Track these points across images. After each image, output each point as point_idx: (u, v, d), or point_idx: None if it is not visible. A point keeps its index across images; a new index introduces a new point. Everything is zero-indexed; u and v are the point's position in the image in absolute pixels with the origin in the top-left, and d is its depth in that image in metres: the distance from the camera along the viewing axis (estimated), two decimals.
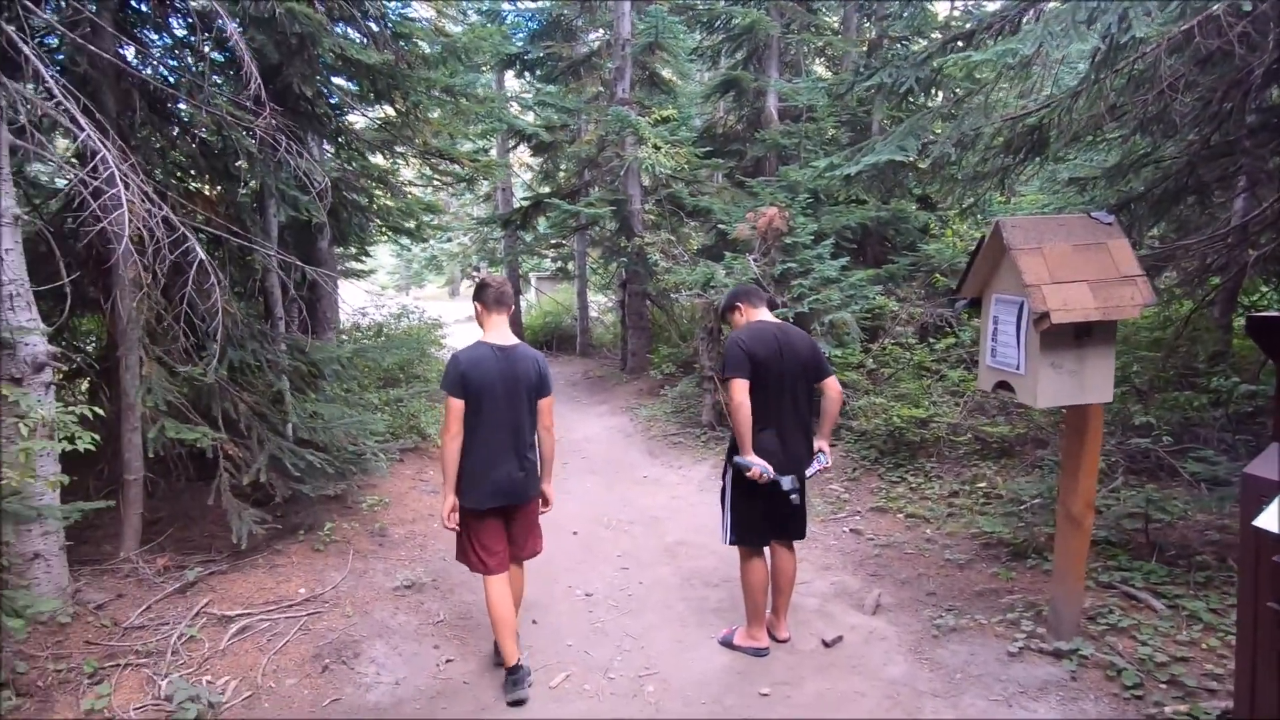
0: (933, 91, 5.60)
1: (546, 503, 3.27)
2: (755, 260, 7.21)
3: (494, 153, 13.69)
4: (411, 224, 6.21)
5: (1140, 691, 2.69)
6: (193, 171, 4.45)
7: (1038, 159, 4.59)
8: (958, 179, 4.47)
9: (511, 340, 3.00)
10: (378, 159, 7.18)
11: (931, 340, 6.84)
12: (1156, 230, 5.68)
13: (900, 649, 3.23)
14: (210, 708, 2.71)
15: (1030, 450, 5.38)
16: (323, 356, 4.69)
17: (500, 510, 3.04)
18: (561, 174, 13.63)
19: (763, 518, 3.17)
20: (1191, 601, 3.18)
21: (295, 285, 4.45)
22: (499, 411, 2.91)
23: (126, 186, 2.51)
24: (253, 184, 4.07)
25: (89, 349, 4.91)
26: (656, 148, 8.31)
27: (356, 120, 7.10)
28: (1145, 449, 4.42)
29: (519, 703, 2.92)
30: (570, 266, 15.29)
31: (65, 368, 3.87)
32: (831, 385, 3.15)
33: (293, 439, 4.38)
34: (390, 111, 6.09)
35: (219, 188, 4.48)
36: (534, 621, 3.67)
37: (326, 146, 6.27)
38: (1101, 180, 5.36)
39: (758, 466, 2.99)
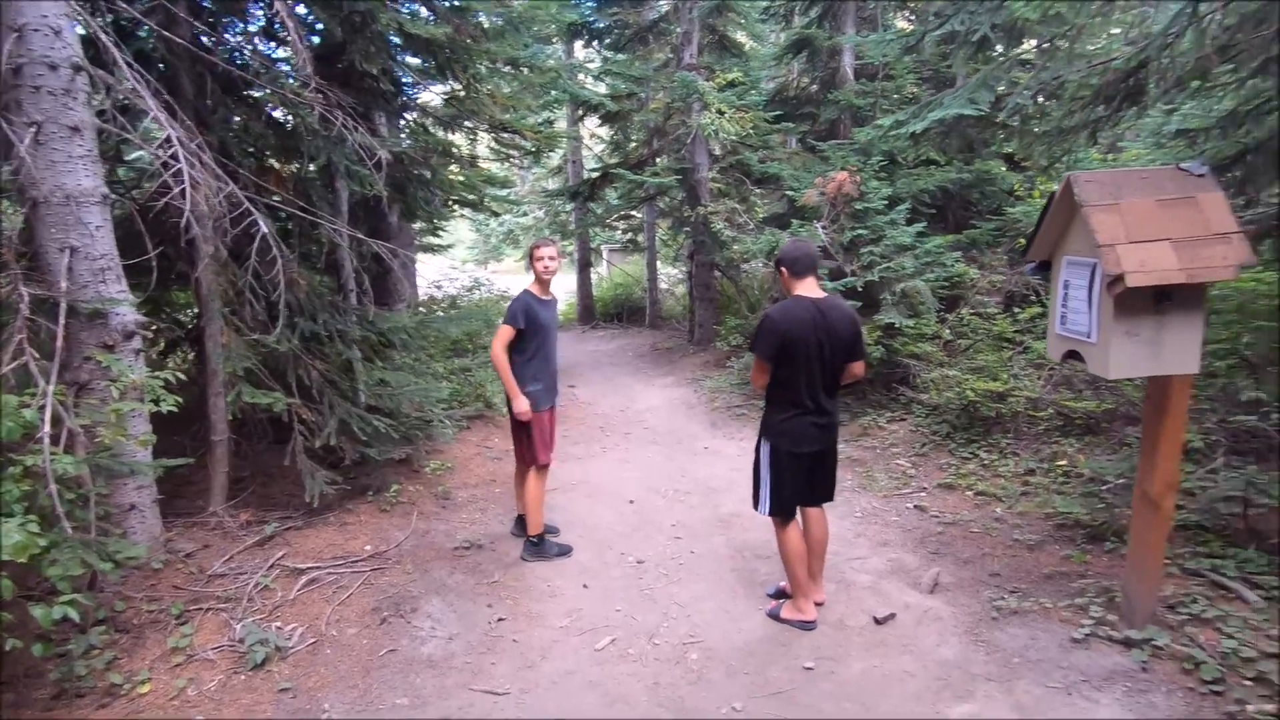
0: (1017, 41, 5.16)
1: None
2: (824, 227, 6.95)
3: (563, 124, 13.74)
4: (475, 197, 6.32)
5: (1220, 687, 2.47)
6: (266, 151, 4.68)
7: (1134, 109, 4.16)
8: (1037, 134, 4.10)
9: (551, 295, 4.03)
10: (453, 135, 7.36)
11: (1016, 310, 6.42)
12: None
13: (956, 630, 3.10)
14: (277, 651, 2.93)
15: (1120, 427, 4.99)
16: (390, 327, 4.89)
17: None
18: (632, 144, 13.53)
19: (795, 486, 3.17)
20: None
21: (363, 259, 4.63)
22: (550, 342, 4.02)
23: (192, 164, 2.67)
24: (318, 160, 4.24)
25: (185, 319, 5.31)
26: (720, 113, 8.09)
27: (431, 99, 7.28)
28: (1251, 427, 4.01)
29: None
30: (640, 238, 15.25)
31: (152, 335, 4.19)
32: (858, 369, 3.18)
33: (364, 406, 4.62)
34: (457, 87, 6.21)
35: (293, 166, 4.70)
36: (585, 586, 3.74)
37: (402, 123, 6.47)
38: (1215, 131, 4.82)
39: None
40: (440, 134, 7.00)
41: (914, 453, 5.48)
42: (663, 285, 15.18)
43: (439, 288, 10.76)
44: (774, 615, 3.32)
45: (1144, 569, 2.78)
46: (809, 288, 3.06)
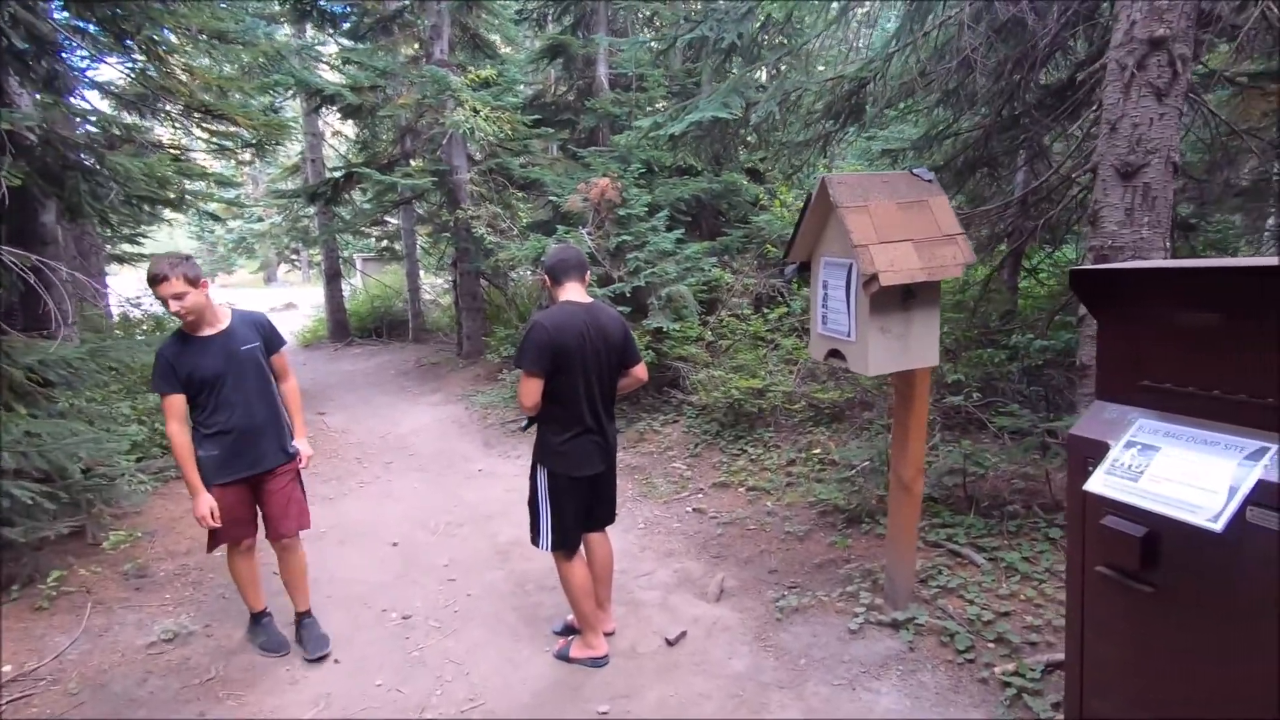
0: (757, 55, 5.48)
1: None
2: (589, 233, 6.85)
3: (291, 114, 12.17)
4: (172, 194, 5.11)
5: (972, 655, 2.68)
6: None
7: (856, 125, 4.59)
8: (784, 144, 4.36)
9: (217, 326, 3.00)
10: (153, 120, 5.93)
11: (766, 310, 6.89)
12: (956, 201, 6.03)
13: (744, 638, 3.05)
14: None
15: (858, 413, 5.52)
16: (41, 360, 3.68)
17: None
18: (381, 143, 12.40)
19: (578, 513, 2.88)
20: (1008, 553, 3.29)
21: None
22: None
23: None
24: None
25: None
26: (476, 111, 7.63)
27: (117, 77, 5.79)
28: (958, 406, 4.63)
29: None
30: (398, 246, 14.08)
31: None
32: (639, 372, 2.95)
33: (4, 468, 3.40)
34: (143, 59, 4.97)
35: None
36: (336, 661, 3.09)
37: (81, 102, 5.00)
38: (910, 152, 5.56)
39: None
40: (128, 117, 5.62)
41: (689, 454, 5.56)
42: (426, 296, 14.19)
43: (138, 307, 8.80)
44: (563, 656, 3.01)
45: (901, 551, 2.95)
46: (575, 292, 2.80)
